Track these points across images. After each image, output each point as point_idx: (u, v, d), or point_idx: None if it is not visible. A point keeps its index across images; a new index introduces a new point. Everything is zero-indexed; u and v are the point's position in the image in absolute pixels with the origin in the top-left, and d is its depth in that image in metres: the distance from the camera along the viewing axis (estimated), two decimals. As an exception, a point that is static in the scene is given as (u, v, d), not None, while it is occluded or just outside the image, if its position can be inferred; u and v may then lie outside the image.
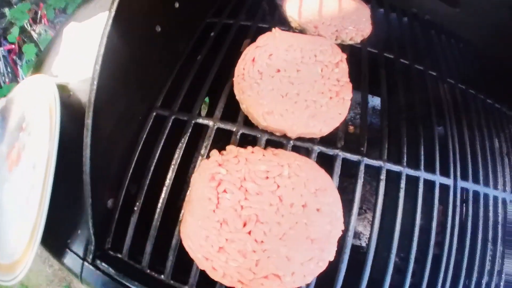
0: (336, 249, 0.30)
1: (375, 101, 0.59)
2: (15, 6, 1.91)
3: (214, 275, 0.30)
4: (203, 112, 0.50)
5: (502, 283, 0.40)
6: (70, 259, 0.36)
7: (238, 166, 0.31)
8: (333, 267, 0.33)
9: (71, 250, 0.36)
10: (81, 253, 0.36)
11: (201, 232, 0.29)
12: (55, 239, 0.37)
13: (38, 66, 0.53)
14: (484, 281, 0.39)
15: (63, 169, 0.37)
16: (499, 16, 0.51)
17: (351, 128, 0.60)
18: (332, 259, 0.30)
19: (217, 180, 0.31)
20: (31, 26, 2.09)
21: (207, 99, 0.53)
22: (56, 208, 0.35)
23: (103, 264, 0.35)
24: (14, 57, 2.15)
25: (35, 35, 2.10)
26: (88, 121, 0.32)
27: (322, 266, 0.30)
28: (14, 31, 2.00)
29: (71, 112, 0.41)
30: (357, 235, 0.52)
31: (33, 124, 0.44)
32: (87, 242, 0.36)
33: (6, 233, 0.40)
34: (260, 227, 0.29)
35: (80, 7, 0.57)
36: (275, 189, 0.30)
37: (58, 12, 2.15)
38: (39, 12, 2.06)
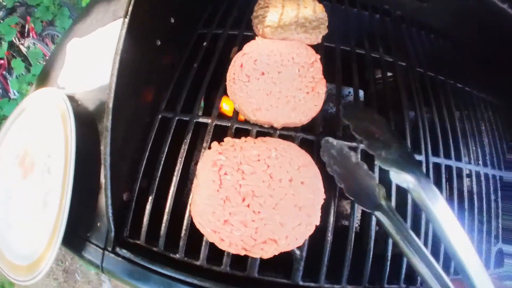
0: (320, 214, 0.35)
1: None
2: (1, 21, 1.87)
3: (222, 245, 0.34)
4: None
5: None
6: (91, 251, 0.38)
7: (235, 153, 0.37)
8: (321, 233, 0.37)
9: (91, 242, 0.39)
10: (101, 244, 0.38)
11: (208, 209, 0.34)
12: (74, 235, 0.39)
13: (43, 79, 0.55)
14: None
15: (77, 171, 0.39)
16: (464, 3, 0.55)
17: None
18: (318, 223, 0.35)
19: (219, 166, 0.36)
20: (19, 40, 2.03)
21: (202, 103, 0.56)
22: (73, 207, 0.37)
23: (123, 250, 0.37)
24: (4, 72, 2.06)
25: (23, 49, 2.04)
26: (108, 124, 0.36)
27: (310, 230, 0.35)
28: (3, 47, 1.93)
29: (80, 119, 0.43)
30: (344, 216, 0.55)
31: (46, 133, 0.46)
32: (106, 233, 0.38)
33: (21, 237, 0.42)
34: (256, 200, 0.34)
35: (77, 22, 0.60)
36: (266, 169, 0.36)
37: (45, 24, 2.09)
38: (27, 25, 2.01)
